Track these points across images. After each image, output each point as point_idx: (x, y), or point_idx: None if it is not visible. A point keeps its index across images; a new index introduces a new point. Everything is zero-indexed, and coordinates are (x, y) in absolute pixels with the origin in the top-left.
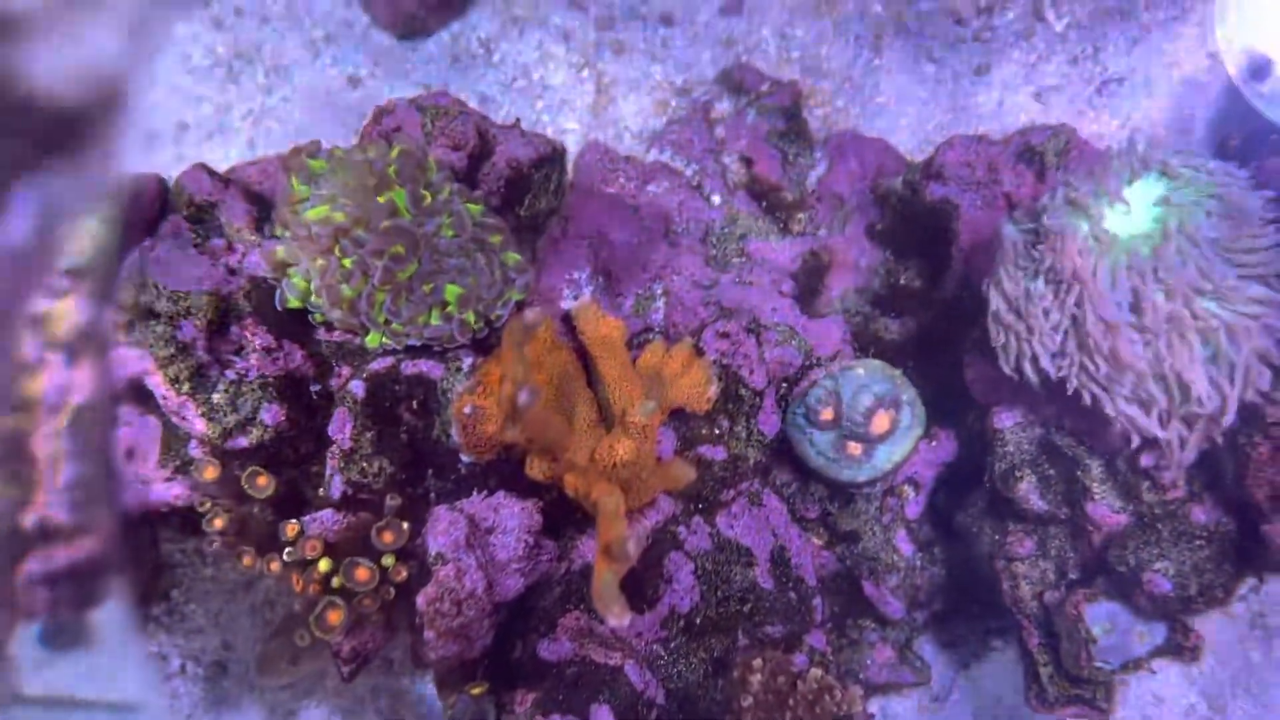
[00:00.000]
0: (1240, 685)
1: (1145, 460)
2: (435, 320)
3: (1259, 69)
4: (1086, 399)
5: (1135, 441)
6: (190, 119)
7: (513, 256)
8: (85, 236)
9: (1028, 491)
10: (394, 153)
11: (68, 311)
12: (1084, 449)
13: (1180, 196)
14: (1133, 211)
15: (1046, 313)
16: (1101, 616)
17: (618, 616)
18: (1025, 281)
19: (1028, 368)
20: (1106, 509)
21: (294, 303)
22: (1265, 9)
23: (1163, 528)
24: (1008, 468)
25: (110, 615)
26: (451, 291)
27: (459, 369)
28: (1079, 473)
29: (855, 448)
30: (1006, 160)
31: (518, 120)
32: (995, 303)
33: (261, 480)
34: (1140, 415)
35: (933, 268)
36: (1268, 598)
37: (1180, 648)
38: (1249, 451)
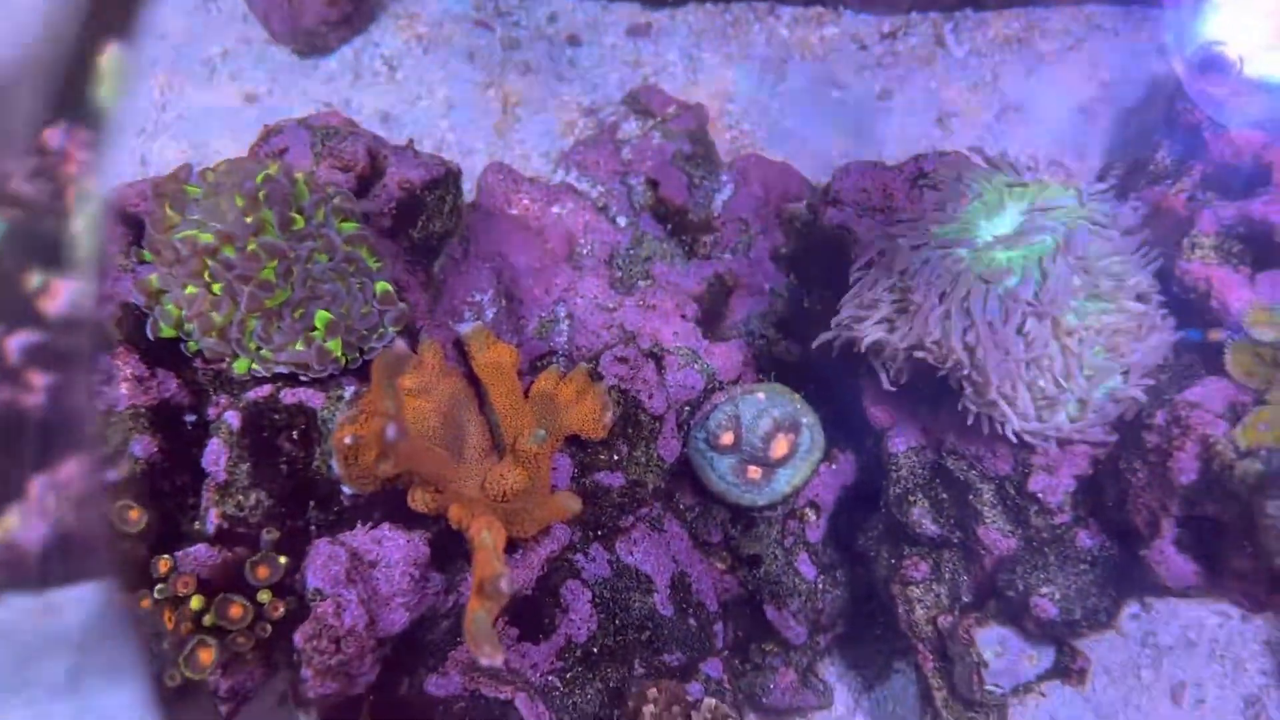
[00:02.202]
0: (1132, 704)
1: (1034, 484)
2: (301, 346)
3: (1211, 66)
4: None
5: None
6: None
7: (382, 286)
8: None
9: (920, 516)
10: (259, 177)
11: None
12: (975, 473)
13: (1052, 218)
14: (1000, 232)
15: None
16: (993, 640)
17: (489, 655)
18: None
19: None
20: (997, 533)
21: (167, 331)
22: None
23: (1050, 552)
24: (901, 492)
25: None
26: (321, 317)
27: (340, 398)
28: (971, 497)
29: (755, 471)
30: (901, 186)
31: (410, 141)
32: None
33: (133, 514)
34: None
35: (834, 291)
36: (1158, 616)
37: (1068, 670)
38: (1129, 477)
